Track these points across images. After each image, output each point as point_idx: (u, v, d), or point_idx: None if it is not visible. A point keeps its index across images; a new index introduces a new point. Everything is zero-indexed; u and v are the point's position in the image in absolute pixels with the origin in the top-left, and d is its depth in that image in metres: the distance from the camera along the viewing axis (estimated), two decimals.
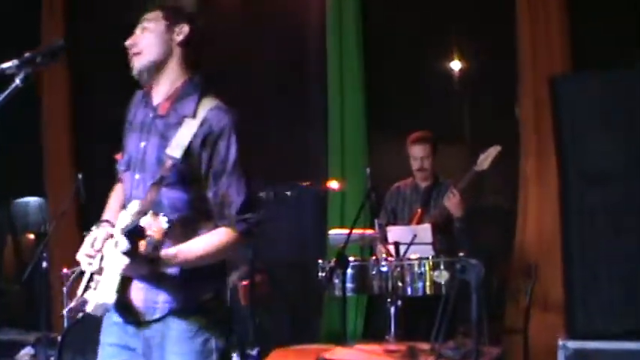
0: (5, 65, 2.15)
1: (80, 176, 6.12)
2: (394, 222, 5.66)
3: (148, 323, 2.74)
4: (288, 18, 7.21)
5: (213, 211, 2.76)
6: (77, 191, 6.16)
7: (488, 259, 4.87)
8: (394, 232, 5.17)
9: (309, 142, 7.26)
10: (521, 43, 6.18)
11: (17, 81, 2.16)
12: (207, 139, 2.71)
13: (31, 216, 9.28)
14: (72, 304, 2.84)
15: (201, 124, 2.71)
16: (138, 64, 2.82)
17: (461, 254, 4.61)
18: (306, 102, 7.28)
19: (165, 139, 2.75)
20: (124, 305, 2.73)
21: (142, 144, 2.83)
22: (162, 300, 2.72)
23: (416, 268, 4.90)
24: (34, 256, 6.20)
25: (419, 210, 5.59)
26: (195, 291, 2.74)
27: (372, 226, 5.28)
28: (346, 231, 4.90)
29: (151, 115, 2.84)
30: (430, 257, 4.95)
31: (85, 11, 8.24)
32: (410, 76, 6.74)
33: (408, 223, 5.55)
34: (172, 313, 2.72)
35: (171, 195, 2.74)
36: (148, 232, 2.56)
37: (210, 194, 2.75)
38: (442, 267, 4.87)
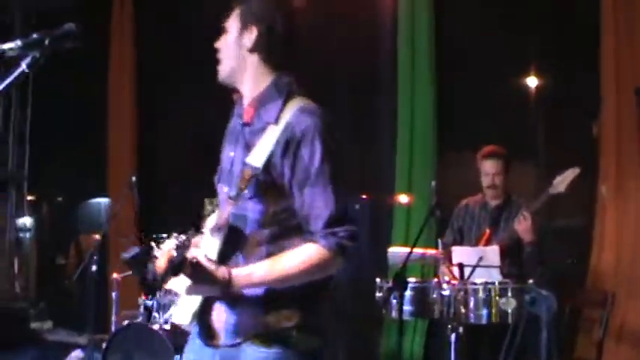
0: (6, 45, 1.88)
1: (134, 179, 5.97)
2: (460, 242, 5.36)
3: (225, 346, 2.52)
4: (359, 33, 7.06)
5: (302, 223, 2.48)
6: (130, 195, 6.02)
7: (560, 286, 4.55)
8: (459, 253, 4.86)
9: (376, 153, 7.09)
10: (605, 59, 5.86)
11: (23, 65, 1.89)
12: (289, 145, 2.44)
13: (99, 217, 9.34)
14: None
15: (284, 130, 2.46)
16: (220, 70, 2.64)
17: (530, 281, 4.26)
18: (375, 113, 7.12)
19: (249, 150, 2.52)
20: (204, 325, 2.55)
21: (231, 154, 2.62)
22: (239, 324, 2.48)
23: (481, 294, 4.56)
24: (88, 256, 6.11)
25: (487, 230, 5.26)
26: (277, 317, 2.46)
27: (436, 246, 4.96)
28: (407, 249, 4.58)
29: (238, 123, 2.64)
30: (497, 283, 4.61)
31: (155, 12, 8.23)
32: (482, 90, 6.54)
33: (475, 243, 5.23)
34: (249, 338, 2.46)
35: (255, 208, 2.49)
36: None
37: (296, 206, 2.48)
38: (510, 294, 4.52)
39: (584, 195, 5.90)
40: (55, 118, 8.88)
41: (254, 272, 2.41)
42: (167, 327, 5.16)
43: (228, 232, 2.47)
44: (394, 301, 4.62)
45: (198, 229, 2.66)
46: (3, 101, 9.19)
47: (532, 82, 6.51)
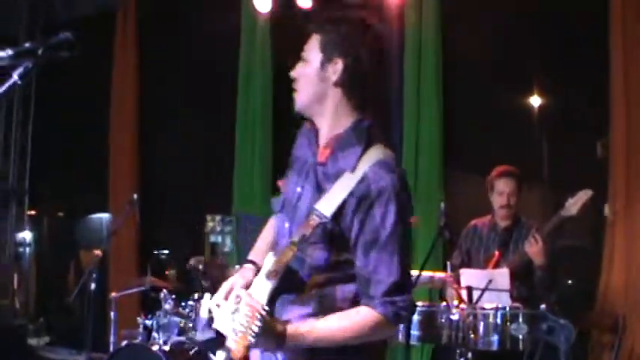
0: None
1: (135, 196, 5.86)
2: (468, 263, 5.23)
3: None
4: None
5: (359, 282, 2.36)
6: (132, 212, 5.91)
7: (568, 308, 4.42)
8: (468, 276, 4.72)
9: None
10: (614, 77, 5.76)
11: (15, 76, 1.76)
12: (362, 201, 2.32)
13: (99, 232, 9.29)
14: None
15: (360, 182, 2.33)
16: (297, 100, 2.50)
17: (543, 306, 4.12)
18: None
19: (319, 192, 2.40)
20: None
21: (298, 189, 2.50)
22: None
23: (491, 319, 4.41)
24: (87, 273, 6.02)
25: (496, 252, 5.12)
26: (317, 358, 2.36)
27: (444, 268, 4.83)
28: (415, 272, 4.44)
29: (311, 157, 2.50)
30: (507, 307, 4.46)
31: (157, 27, 8.21)
32: (488, 111, 6.50)
33: (484, 265, 5.10)
34: None
35: (317, 255, 2.37)
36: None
37: (357, 263, 2.36)
38: (521, 319, 4.37)
39: (590, 215, 5.71)
40: (57, 133, 8.83)
41: (309, 333, 2.28)
42: (166, 348, 5.04)
43: (285, 275, 2.35)
44: (401, 326, 4.45)
45: None
46: (5, 115, 9.13)
47: (537, 101, 6.41)
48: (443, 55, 6.53)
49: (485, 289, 4.51)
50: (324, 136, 2.48)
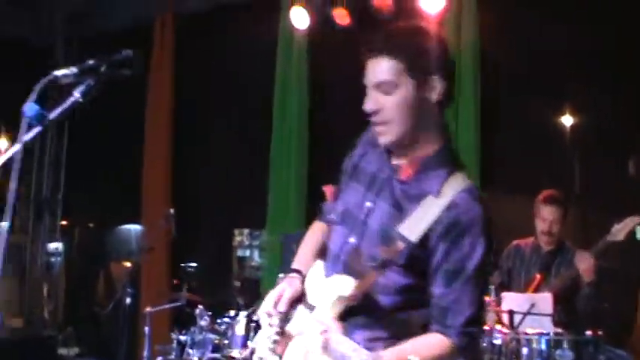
0: (61, 72, 1.71)
1: (172, 211, 5.82)
2: (509, 284, 5.14)
3: None
4: None
5: (433, 310, 2.30)
6: (168, 226, 5.87)
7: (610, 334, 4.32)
8: (510, 299, 4.63)
9: None
10: None
11: (77, 94, 1.72)
12: (450, 229, 2.25)
13: (130, 244, 9.27)
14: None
15: (447, 208, 2.25)
16: (388, 136, 2.35)
17: (588, 333, 4.02)
18: None
19: (399, 211, 2.32)
20: None
21: (368, 204, 2.41)
22: None
23: (535, 344, 4.33)
24: (121, 287, 5.98)
25: (537, 275, 5.02)
26: None
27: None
28: None
29: (386, 172, 2.41)
30: (552, 333, 4.37)
31: (194, 42, 8.20)
32: (525, 129, 6.38)
33: (524, 288, 5.01)
34: None
35: (391, 277, 2.30)
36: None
37: (435, 290, 2.29)
38: (566, 345, 4.27)
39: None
40: (91, 144, 8.83)
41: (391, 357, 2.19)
42: None
43: (364, 301, 2.28)
44: None
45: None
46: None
47: (567, 120, 6.31)
48: (482, 78, 6.46)
49: (527, 313, 4.42)
50: (410, 155, 2.38)
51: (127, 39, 7.90)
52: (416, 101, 2.31)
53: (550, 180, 5.75)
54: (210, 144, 8.18)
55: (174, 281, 6.71)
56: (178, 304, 5.34)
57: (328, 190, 2.65)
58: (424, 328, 2.31)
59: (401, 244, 2.24)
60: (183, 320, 5.63)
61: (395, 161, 2.41)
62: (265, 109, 7.42)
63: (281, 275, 2.48)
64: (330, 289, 2.31)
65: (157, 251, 6.97)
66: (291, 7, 7.05)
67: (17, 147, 1.61)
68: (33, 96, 1.64)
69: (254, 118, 7.68)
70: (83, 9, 8.91)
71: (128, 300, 5.56)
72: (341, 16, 6.81)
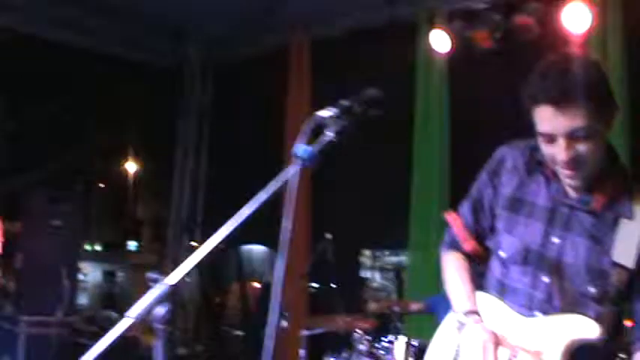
0: (324, 113, 1.78)
1: (330, 236, 5.75)
2: None
3: None
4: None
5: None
6: (322, 251, 5.79)
7: None
8: None
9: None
10: None
11: (331, 134, 1.78)
12: None
13: (256, 264, 9.37)
14: None
15: None
16: (579, 180, 2.33)
17: None
18: None
19: (598, 243, 2.31)
20: None
21: (555, 240, 2.39)
22: None
23: None
24: (259, 306, 5.99)
25: None
26: None
27: None
28: None
29: (566, 205, 2.39)
30: None
31: (332, 63, 8.24)
32: None
33: None
34: None
35: (599, 309, 2.31)
36: None
37: (636, 309, 2.31)
38: None
39: None
40: (230, 167, 9.00)
41: None
42: None
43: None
44: None
45: None
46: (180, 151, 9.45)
47: None
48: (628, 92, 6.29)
49: None
50: (592, 184, 2.36)
51: (265, 61, 8.09)
52: (604, 141, 2.31)
53: None
54: (348, 166, 8.18)
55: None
56: (341, 329, 5.25)
57: (450, 217, 2.62)
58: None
59: (622, 273, 2.23)
60: (324, 344, 5.57)
61: (579, 193, 2.37)
62: (404, 132, 7.39)
63: (448, 316, 2.46)
64: (553, 330, 2.28)
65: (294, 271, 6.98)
66: (429, 30, 7.03)
67: (279, 185, 1.70)
68: (303, 137, 1.72)
69: (394, 141, 7.64)
70: (220, 35, 9.11)
71: (285, 323, 5.58)
72: (482, 39, 6.75)
